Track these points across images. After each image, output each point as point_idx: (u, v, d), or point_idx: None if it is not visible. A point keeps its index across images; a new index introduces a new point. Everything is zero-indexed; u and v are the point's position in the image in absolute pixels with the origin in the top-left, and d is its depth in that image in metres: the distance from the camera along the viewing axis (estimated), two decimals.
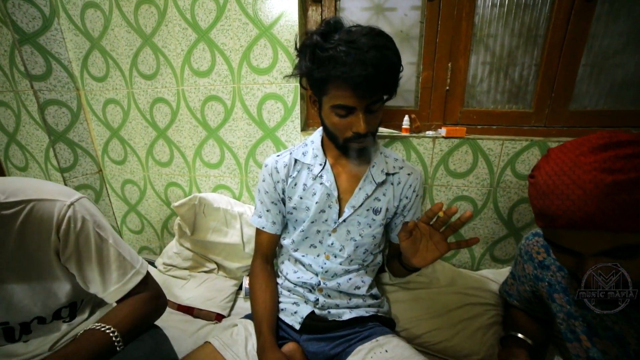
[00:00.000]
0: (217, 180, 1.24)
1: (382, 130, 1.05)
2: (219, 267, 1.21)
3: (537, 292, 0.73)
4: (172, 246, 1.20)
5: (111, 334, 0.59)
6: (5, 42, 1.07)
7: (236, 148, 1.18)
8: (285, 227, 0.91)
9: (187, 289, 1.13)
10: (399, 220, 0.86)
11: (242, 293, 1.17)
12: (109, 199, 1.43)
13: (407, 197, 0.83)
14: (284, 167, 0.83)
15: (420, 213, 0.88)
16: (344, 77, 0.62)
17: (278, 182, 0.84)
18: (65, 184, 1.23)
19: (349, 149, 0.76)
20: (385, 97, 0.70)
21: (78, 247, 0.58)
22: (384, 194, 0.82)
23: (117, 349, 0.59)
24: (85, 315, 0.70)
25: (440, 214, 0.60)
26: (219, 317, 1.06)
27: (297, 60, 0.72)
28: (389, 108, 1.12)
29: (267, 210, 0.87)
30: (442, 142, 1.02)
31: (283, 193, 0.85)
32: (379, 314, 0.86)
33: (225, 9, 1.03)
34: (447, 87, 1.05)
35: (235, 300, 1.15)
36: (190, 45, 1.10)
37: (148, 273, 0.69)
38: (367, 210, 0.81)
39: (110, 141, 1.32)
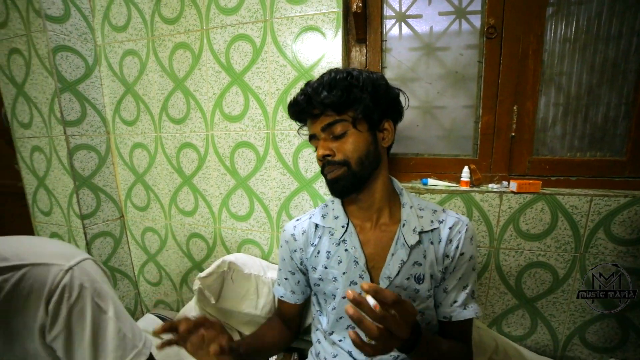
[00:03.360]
0: (244, 234, 1.11)
1: (437, 183, 0.90)
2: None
3: None
4: (191, 309, 1.05)
5: None
6: (48, 90, 1.09)
7: (267, 200, 1.06)
8: (314, 298, 0.77)
9: None
10: (448, 287, 0.66)
11: None
12: (128, 247, 1.34)
13: (448, 256, 0.65)
14: (302, 234, 0.73)
15: (474, 283, 0.67)
16: (293, 103, 0.66)
17: (295, 250, 0.74)
18: (85, 232, 1.16)
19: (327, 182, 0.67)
20: (347, 115, 0.61)
21: (70, 323, 0.48)
22: (425, 256, 0.65)
23: None
24: None
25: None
26: None
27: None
28: (443, 157, 0.97)
29: (285, 279, 0.79)
30: (510, 197, 0.85)
31: (301, 263, 0.74)
32: None
33: (262, 51, 0.97)
34: (513, 133, 0.89)
35: None
36: (222, 89, 1.04)
37: (151, 355, 0.56)
38: (408, 279, 0.64)
39: (135, 186, 1.26)
